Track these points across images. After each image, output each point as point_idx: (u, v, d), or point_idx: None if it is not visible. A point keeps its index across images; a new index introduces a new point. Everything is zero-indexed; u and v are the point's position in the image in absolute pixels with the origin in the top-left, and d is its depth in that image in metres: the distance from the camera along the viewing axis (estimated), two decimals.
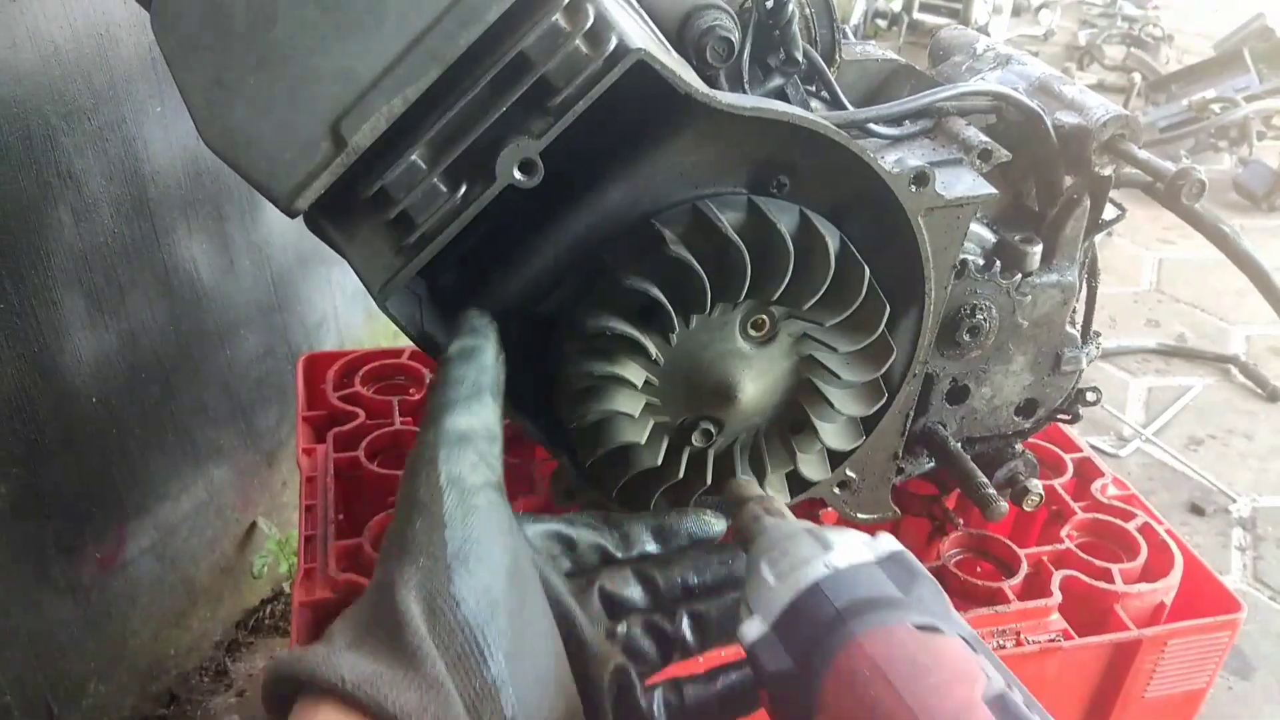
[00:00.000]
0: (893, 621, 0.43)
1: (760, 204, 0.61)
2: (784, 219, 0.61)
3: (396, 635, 0.44)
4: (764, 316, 0.64)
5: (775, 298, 0.61)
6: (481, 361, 0.54)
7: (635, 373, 0.61)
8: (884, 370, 0.67)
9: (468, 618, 0.45)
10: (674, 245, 0.59)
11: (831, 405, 0.67)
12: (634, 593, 0.57)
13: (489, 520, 0.48)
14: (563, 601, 0.53)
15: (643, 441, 0.64)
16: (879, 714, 0.40)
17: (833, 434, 0.70)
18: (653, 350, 0.61)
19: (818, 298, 0.61)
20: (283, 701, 0.44)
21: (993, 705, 0.40)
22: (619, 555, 0.59)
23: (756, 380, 0.66)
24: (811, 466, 0.71)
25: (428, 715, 0.42)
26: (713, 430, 0.67)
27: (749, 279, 0.60)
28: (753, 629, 0.47)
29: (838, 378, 0.66)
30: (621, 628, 0.55)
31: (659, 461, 0.66)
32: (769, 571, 0.49)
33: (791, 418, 0.69)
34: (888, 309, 0.64)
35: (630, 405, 0.62)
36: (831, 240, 0.62)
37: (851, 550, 0.48)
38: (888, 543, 0.49)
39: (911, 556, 0.49)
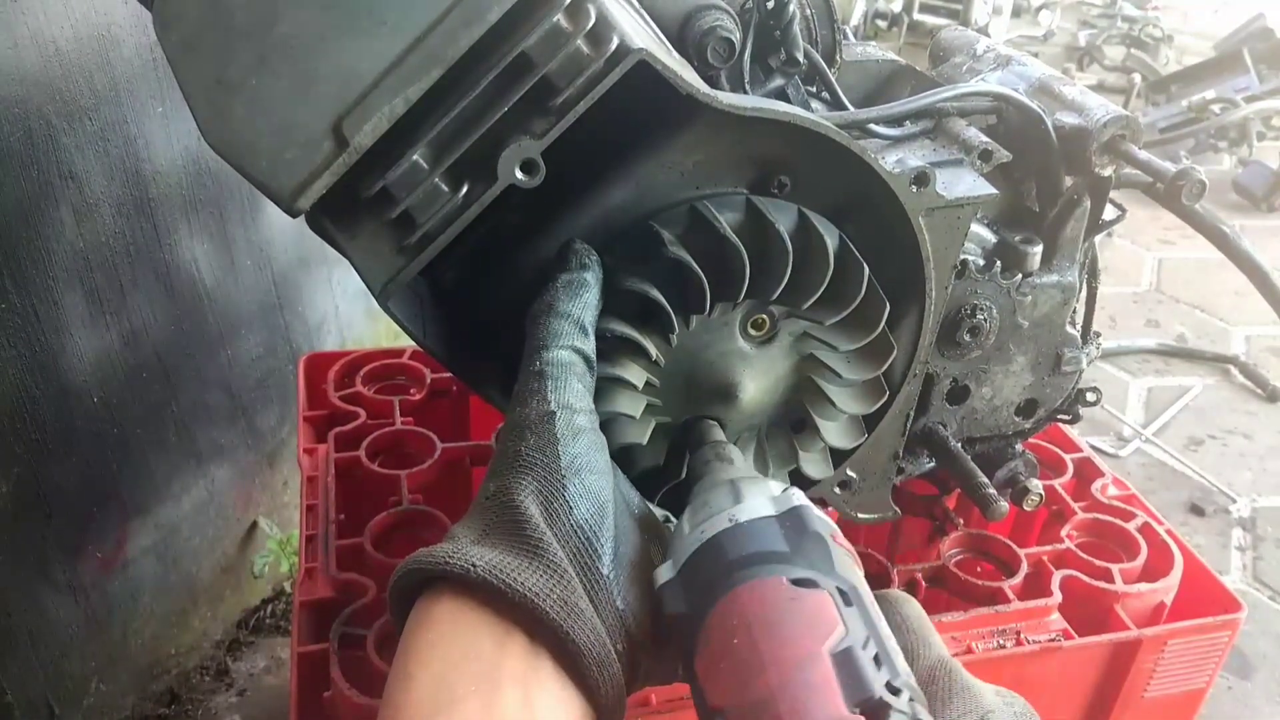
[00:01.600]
0: (769, 575, 0.46)
1: (758, 204, 0.61)
2: (782, 218, 0.61)
3: (518, 531, 0.47)
4: (764, 316, 0.64)
5: (775, 297, 0.61)
6: (586, 297, 0.57)
7: (636, 374, 0.61)
8: (885, 368, 0.67)
9: (580, 521, 0.49)
10: (672, 246, 0.59)
11: (833, 403, 0.67)
12: None
13: (593, 439, 0.52)
14: (648, 516, 0.56)
15: (644, 442, 0.64)
16: (738, 659, 0.43)
17: (834, 432, 0.70)
18: (653, 351, 0.61)
19: (817, 296, 0.61)
20: (405, 603, 0.48)
21: (837, 658, 0.42)
22: None
23: (757, 379, 0.66)
24: (814, 464, 0.72)
25: (553, 596, 0.46)
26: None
27: (747, 279, 0.60)
28: (664, 572, 0.50)
29: (839, 376, 0.66)
30: None
31: (661, 461, 0.66)
32: (687, 521, 0.52)
33: (793, 416, 0.69)
34: (888, 306, 0.64)
35: (631, 407, 0.62)
36: (830, 239, 0.62)
37: (755, 506, 0.51)
38: (793, 498, 0.52)
39: (810, 511, 0.51)
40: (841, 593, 0.46)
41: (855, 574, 0.48)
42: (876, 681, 0.41)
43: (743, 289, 0.60)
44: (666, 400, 0.65)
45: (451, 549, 0.47)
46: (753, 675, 0.42)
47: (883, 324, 0.64)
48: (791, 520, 0.50)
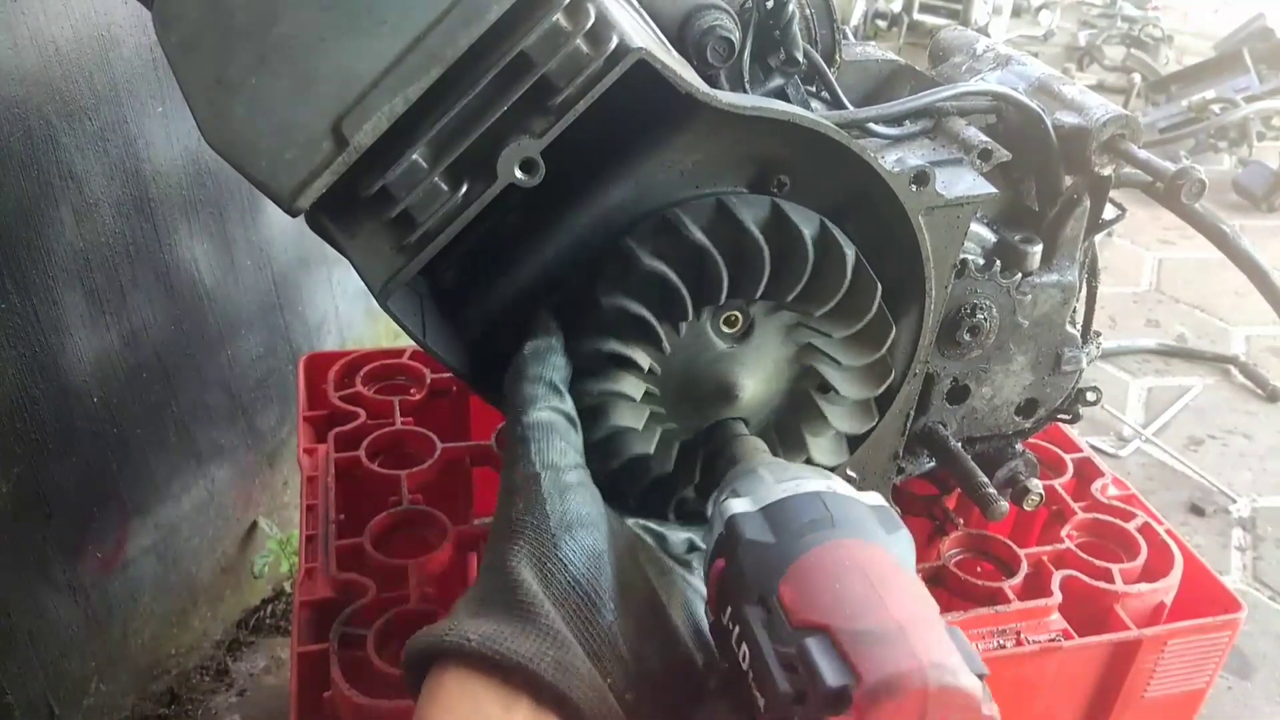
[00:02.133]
0: (873, 541, 0.48)
1: (728, 204, 0.61)
2: (750, 213, 0.61)
3: (511, 599, 0.49)
4: (734, 313, 0.64)
5: (758, 296, 0.61)
6: (553, 360, 0.59)
7: (632, 386, 0.62)
8: (884, 350, 0.66)
9: (577, 577, 0.50)
10: (647, 258, 0.59)
11: (836, 389, 0.67)
12: None
13: (583, 494, 0.54)
14: (658, 560, 0.57)
15: (651, 451, 0.64)
16: (853, 593, 0.45)
17: (843, 417, 0.69)
18: (645, 362, 0.61)
19: (801, 287, 0.61)
20: (419, 676, 0.50)
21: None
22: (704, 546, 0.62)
23: (753, 375, 0.66)
24: (826, 452, 0.71)
25: (547, 659, 0.47)
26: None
27: (724, 285, 0.60)
28: (739, 504, 0.51)
29: (838, 363, 0.66)
30: None
31: (670, 468, 0.66)
32: (769, 474, 0.53)
33: (802, 403, 0.69)
34: (879, 288, 0.63)
35: (633, 419, 0.62)
36: (809, 228, 0.61)
37: (846, 488, 0.53)
38: (879, 498, 0.53)
39: (897, 514, 0.53)
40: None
41: None
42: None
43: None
44: (670, 409, 0.65)
45: (449, 625, 0.49)
46: (871, 608, 0.44)
47: (876, 305, 0.63)
48: (882, 515, 0.51)
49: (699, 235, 0.59)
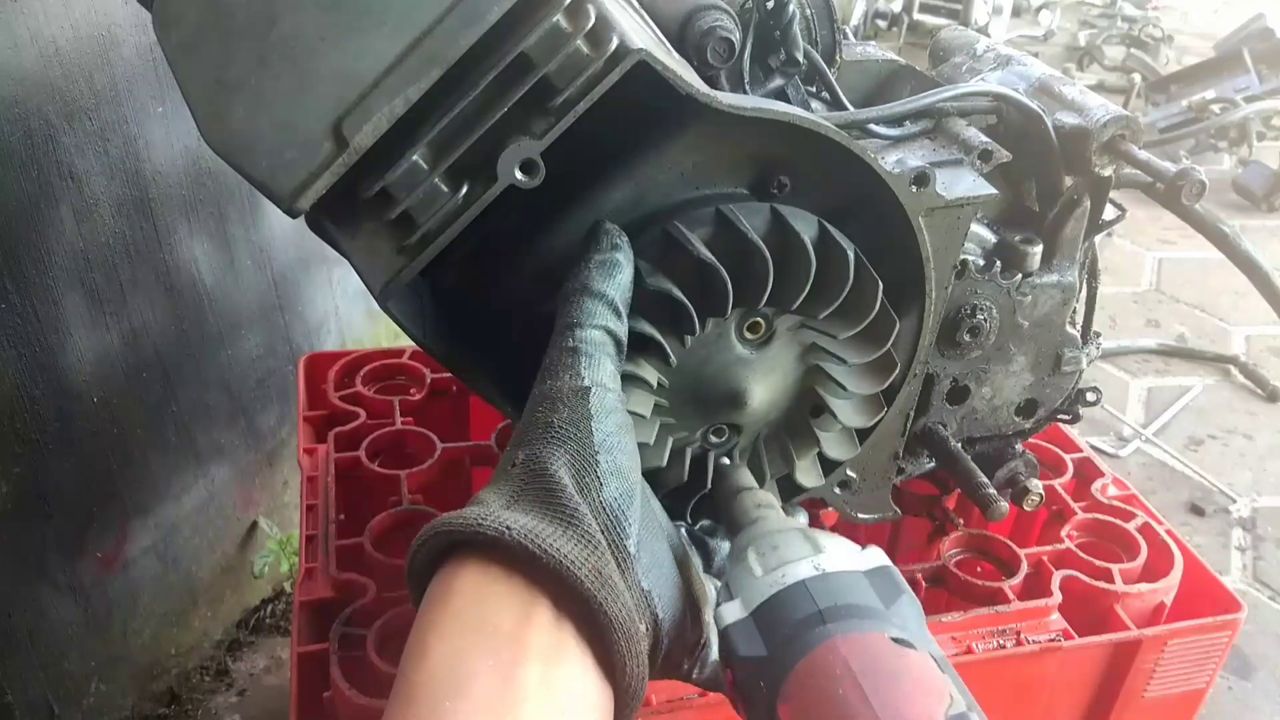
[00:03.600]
0: (871, 630, 0.45)
1: (729, 214, 0.61)
2: (751, 222, 0.60)
3: (552, 499, 0.46)
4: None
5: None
6: (619, 278, 0.56)
7: (650, 373, 0.61)
8: (888, 347, 0.66)
9: (611, 498, 0.47)
10: (650, 277, 0.59)
11: (843, 386, 0.66)
12: None
13: (623, 421, 0.51)
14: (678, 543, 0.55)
15: (650, 443, 0.64)
16: (844, 711, 0.42)
17: (851, 412, 0.69)
18: (654, 379, 0.61)
19: (805, 292, 0.61)
20: (426, 573, 0.47)
21: None
22: None
23: (763, 382, 0.66)
24: (837, 446, 0.71)
25: (588, 566, 0.44)
26: (730, 432, 0.68)
27: (730, 298, 0.59)
28: (731, 611, 0.49)
29: (844, 362, 0.66)
30: None
31: (664, 463, 0.66)
32: (756, 562, 0.51)
33: (808, 402, 0.68)
34: (880, 285, 0.63)
35: (643, 406, 0.62)
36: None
37: (841, 557, 0.50)
38: (876, 556, 0.51)
39: (897, 573, 0.50)
40: (934, 659, 0.45)
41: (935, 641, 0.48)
42: None
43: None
44: (674, 407, 0.65)
45: (482, 512, 0.45)
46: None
47: (879, 302, 0.63)
48: (881, 578, 0.49)
49: (702, 250, 0.59)
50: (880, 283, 0.63)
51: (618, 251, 0.57)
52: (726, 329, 0.63)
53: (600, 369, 0.52)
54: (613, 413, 0.51)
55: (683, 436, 0.66)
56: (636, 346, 0.59)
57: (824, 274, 0.61)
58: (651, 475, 0.64)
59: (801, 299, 0.61)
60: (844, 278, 0.61)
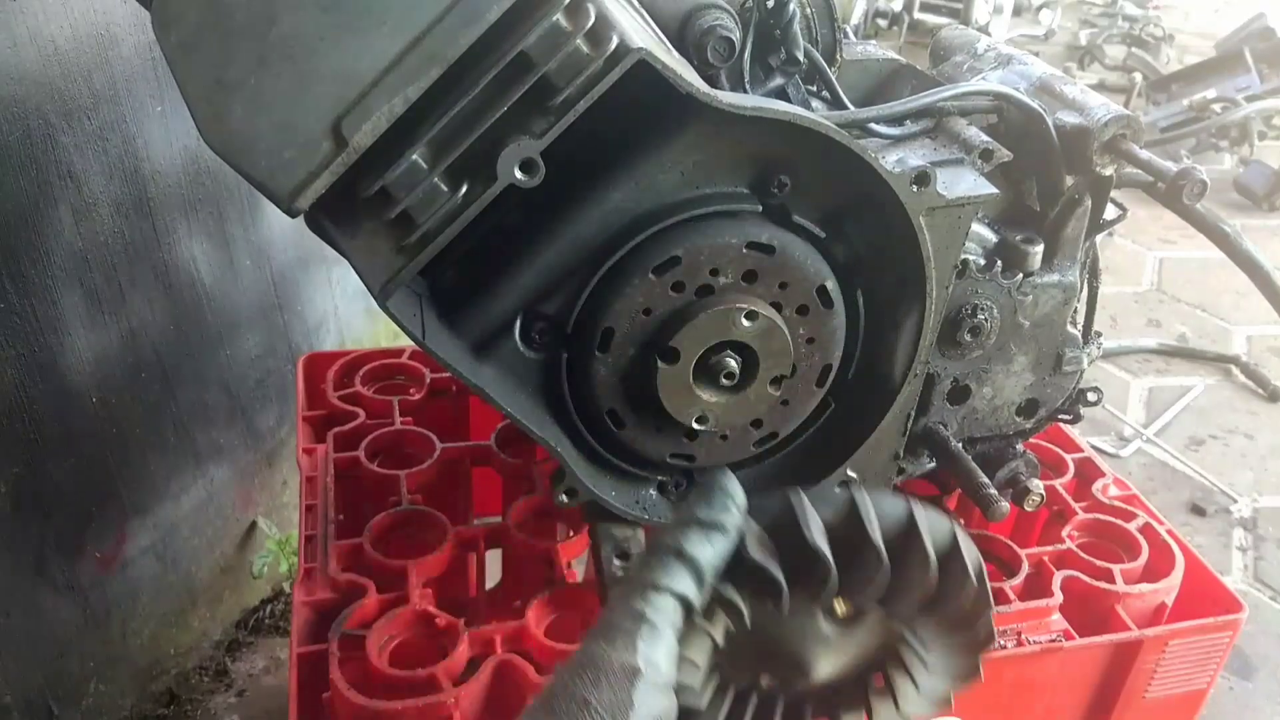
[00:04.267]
0: None
1: (860, 502, 0.56)
2: (884, 507, 0.56)
3: None
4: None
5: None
6: (717, 547, 0.54)
7: (701, 653, 0.57)
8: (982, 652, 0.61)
9: None
10: (753, 551, 0.55)
11: (915, 683, 0.62)
12: None
13: (665, 709, 0.50)
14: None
15: (703, 705, 0.61)
16: None
17: (914, 701, 0.63)
18: (721, 639, 0.57)
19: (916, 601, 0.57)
20: None
21: None
22: None
23: (833, 659, 0.61)
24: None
25: None
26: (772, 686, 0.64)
27: (833, 591, 0.56)
28: None
29: (924, 663, 0.61)
30: None
31: (703, 704, 0.61)
32: None
33: (870, 678, 0.64)
34: (993, 604, 0.59)
35: (691, 677, 0.58)
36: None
37: None
38: None
39: None
40: None
41: None
42: None
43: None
44: (730, 654, 0.60)
45: None
46: None
47: (990, 616, 0.58)
48: None
49: (818, 541, 0.54)
50: (992, 601, 0.58)
51: (726, 515, 0.55)
52: (814, 605, 0.58)
53: (659, 644, 0.51)
54: (655, 701, 0.50)
55: (729, 678, 0.63)
56: (716, 601, 0.56)
57: (945, 584, 0.56)
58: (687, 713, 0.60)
59: (913, 609, 0.56)
60: (964, 588, 0.56)
